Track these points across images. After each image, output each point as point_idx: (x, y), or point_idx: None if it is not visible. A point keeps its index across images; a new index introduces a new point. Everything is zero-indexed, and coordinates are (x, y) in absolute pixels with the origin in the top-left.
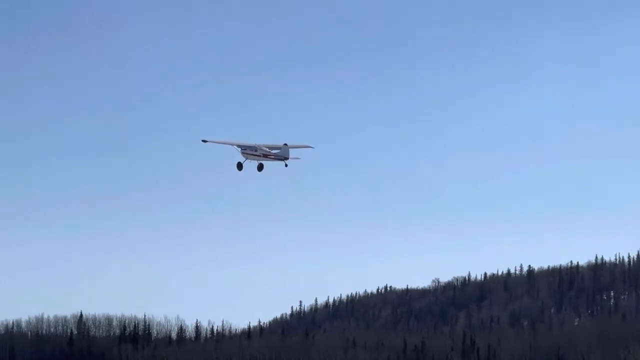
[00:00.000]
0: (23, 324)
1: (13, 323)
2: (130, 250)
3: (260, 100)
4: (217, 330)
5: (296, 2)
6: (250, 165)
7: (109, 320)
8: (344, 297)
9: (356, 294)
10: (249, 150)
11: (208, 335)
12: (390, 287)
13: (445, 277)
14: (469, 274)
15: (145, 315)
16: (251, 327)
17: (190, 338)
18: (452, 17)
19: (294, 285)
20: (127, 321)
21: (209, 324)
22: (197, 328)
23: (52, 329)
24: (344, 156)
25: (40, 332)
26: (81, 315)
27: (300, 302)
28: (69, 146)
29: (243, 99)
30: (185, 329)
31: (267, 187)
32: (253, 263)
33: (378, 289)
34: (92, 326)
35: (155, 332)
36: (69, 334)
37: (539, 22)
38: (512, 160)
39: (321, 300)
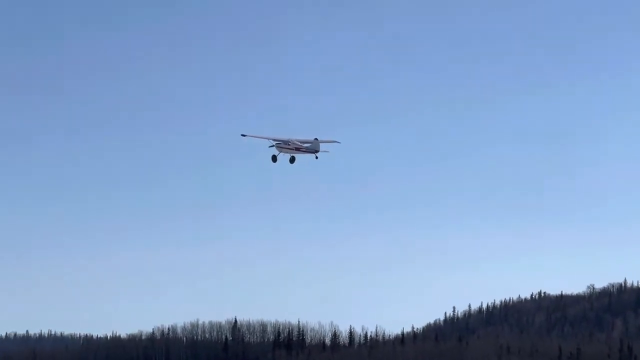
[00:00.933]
0: (179, 330)
1: (169, 329)
2: (284, 256)
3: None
4: (370, 336)
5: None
6: (284, 157)
7: (263, 326)
8: (497, 302)
9: (510, 299)
10: (282, 144)
11: (362, 341)
12: (545, 292)
13: (600, 283)
14: (625, 280)
15: (299, 321)
16: (405, 332)
17: (344, 344)
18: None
19: (448, 291)
20: (281, 327)
21: (362, 329)
22: (351, 334)
23: (207, 335)
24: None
25: (195, 337)
26: (236, 321)
27: (454, 307)
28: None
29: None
30: (339, 335)
31: (422, 192)
32: (407, 269)
33: (532, 295)
34: (247, 332)
35: (309, 338)
36: (223, 339)
37: None
38: None
39: (475, 306)
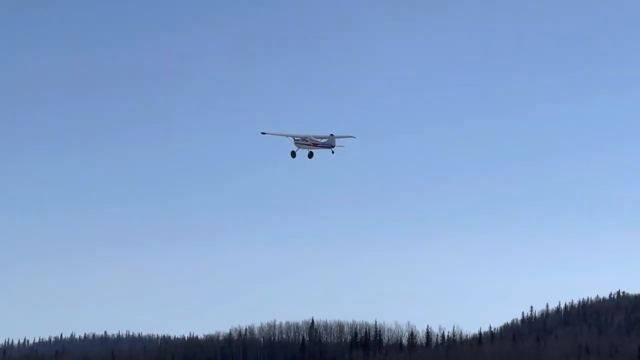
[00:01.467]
0: (256, 331)
1: (246, 329)
2: (361, 256)
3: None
4: (447, 336)
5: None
6: (302, 153)
7: (340, 326)
8: (575, 302)
9: (588, 299)
10: (300, 141)
11: (439, 341)
12: (624, 292)
13: None
14: None
15: (376, 321)
16: (482, 332)
17: (421, 344)
18: None
19: (525, 291)
20: (358, 327)
21: (439, 329)
22: (428, 334)
23: (284, 335)
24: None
25: (272, 338)
26: (313, 321)
27: (531, 307)
28: None
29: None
30: (416, 335)
31: (498, 192)
32: (484, 268)
33: (611, 294)
34: (324, 332)
35: (386, 338)
36: (300, 340)
37: None
38: None
39: (552, 306)
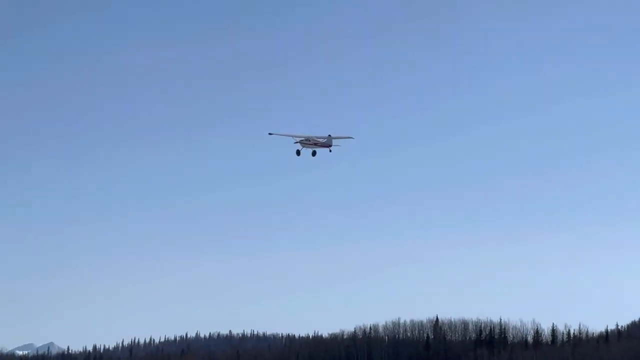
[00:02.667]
0: (380, 329)
1: (370, 328)
2: (482, 253)
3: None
4: (573, 333)
5: None
6: (306, 151)
7: (464, 324)
8: None
9: None
10: (305, 141)
11: (564, 339)
12: None
13: None
14: None
15: (501, 319)
16: (609, 330)
17: (547, 342)
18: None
19: None
20: (482, 325)
21: (565, 327)
22: (554, 332)
23: (408, 334)
24: None
25: (396, 336)
26: (437, 319)
27: None
28: None
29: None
30: (541, 333)
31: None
32: (610, 265)
33: None
34: (448, 330)
35: (511, 336)
36: (425, 338)
37: None
38: None
39: None
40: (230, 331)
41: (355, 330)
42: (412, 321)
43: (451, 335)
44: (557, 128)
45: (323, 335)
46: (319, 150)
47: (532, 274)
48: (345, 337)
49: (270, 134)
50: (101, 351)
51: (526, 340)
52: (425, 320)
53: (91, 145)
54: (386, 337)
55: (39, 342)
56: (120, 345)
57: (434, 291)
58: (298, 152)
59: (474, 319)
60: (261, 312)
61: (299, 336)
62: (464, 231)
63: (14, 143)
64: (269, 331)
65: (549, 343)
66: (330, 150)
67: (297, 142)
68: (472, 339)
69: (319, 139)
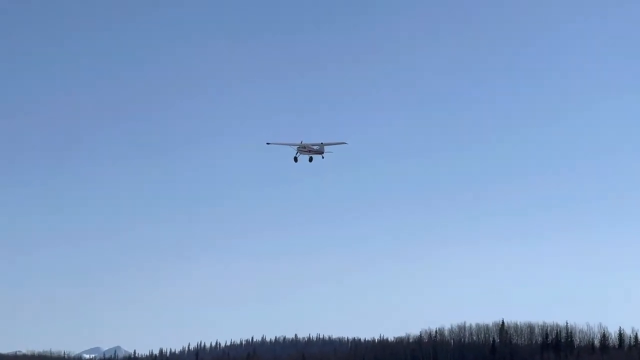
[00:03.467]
0: (446, 332)
1: (436, 331)
2: (549, 257)
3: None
4: None
5: None
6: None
7: (530, 328)
8: None
9: None
10: (301, 148)
11: (632, 342)
12: None
13: None
14: None
15: (567, 323)
16: None
17: (614, 345)
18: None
19: None
20: (549, 329)
21: (632, 331)
22: (621, 335)
23: (474, 337)
24: None
25: (462, 340)
26: (503, 323)
27: None
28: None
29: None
30: (608, 337)
31: None
32: None
33: None
34: (514, 334)
35: (578, 340)
36: (491, 341)
37: None
38: None
39: None
40: (295, 335)
41: (420, 334)
42: (477, 325)
43: (517, 339)
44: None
45: (389, 339)
46: (314, 156)
47: (599, 277)
48: (410, 340)
49: (268, 143)
50: (167, 355)
51: (593, 344)
52: (491, 324)
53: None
54: (452, 341)
55: (105, 345)
56: (187, 348)
57: (500, 294)
58: (295, 159)
59: (540, 322)
60: (327, 315)
61: (365, 340)
62: (529, 234)
63: (85, 145)
64: (335, 335)
65: (616, 347)
66: (323, 157)
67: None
68: (539, 342)
69: (312, 147)
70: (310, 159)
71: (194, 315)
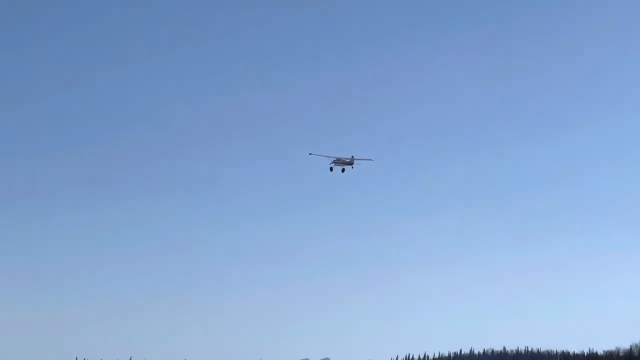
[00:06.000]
0: None
1: None
2: None
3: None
4: None
5: None
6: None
7: None
8: None
9: None
10: (337, 160)
11: None
12: None
13: None
14: None
15: None
16: None
17: None
18: None
19: None
20: None
21: None
22: None
23: None
24: None
25: None
26: None
27: None
28: None
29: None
30: None
31: None
32: None
33: None
34: None
35: None
36: None
37: None
38: None
39: None
40: (504, 347)
41: (631, 348)
42: None
43: None
44: None
45: (598, 352)
46: (346, 167)
47: None
48: (621, 354)
49: (310, 154)
50: None
51: None
52: None
53: None
54: None
55: (315, 357)
56: None
57: None
58: (331, 169)
59: None
60: (535, 327)
61: (574, 353)
62: None
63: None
64: (544, 347)
65: None
66: (352, 167)
67: (330, 162)
68: None
69: (345, 159)
70: (343, 170)
71: (402, 327)
